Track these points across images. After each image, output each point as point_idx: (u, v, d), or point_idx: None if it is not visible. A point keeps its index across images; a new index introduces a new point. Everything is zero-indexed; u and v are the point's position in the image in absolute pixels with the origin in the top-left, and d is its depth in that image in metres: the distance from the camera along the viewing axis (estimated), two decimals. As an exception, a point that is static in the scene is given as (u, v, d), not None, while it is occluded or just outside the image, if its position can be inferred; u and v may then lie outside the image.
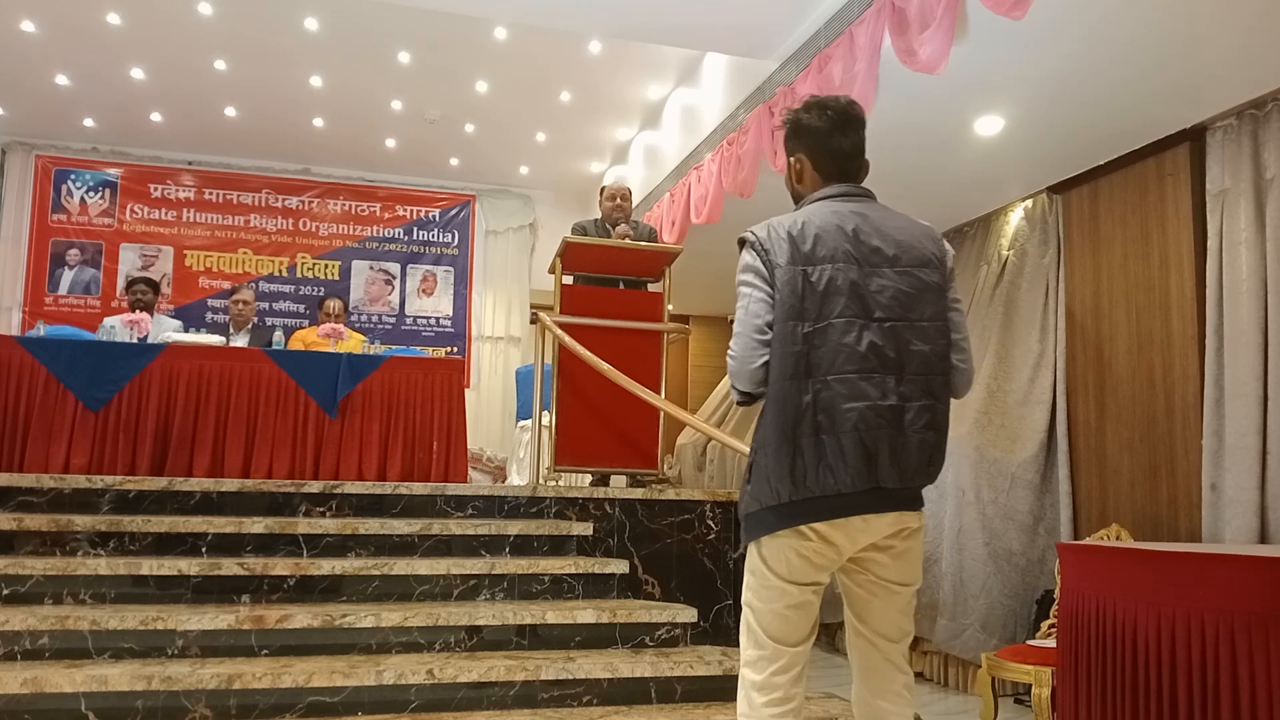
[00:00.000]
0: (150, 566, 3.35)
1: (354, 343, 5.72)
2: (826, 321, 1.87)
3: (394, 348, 7.11)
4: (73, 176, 8.17)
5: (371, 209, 8.78)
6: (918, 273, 1.93)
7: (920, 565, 2.00)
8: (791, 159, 2.11)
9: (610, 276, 4.90)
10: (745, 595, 1.98)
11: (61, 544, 3.54)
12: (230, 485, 3.94)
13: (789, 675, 1.91)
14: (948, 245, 2.04)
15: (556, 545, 3.95)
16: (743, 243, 1.99)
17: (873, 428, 1.83)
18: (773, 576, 1.91)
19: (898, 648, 1.98)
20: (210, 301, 8.24)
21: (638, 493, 4.08)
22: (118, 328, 5.05)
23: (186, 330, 5.76)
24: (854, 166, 2.07)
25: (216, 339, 5.18)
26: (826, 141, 2.05)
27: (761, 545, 1.93)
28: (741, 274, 1.96)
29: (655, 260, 4.79)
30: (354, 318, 8.44)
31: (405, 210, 8.86)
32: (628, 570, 3.83)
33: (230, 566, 3.39)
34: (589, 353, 4.21)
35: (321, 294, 7.97)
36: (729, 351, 1.96)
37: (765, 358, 1.90)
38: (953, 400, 1.99)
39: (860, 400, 1.84)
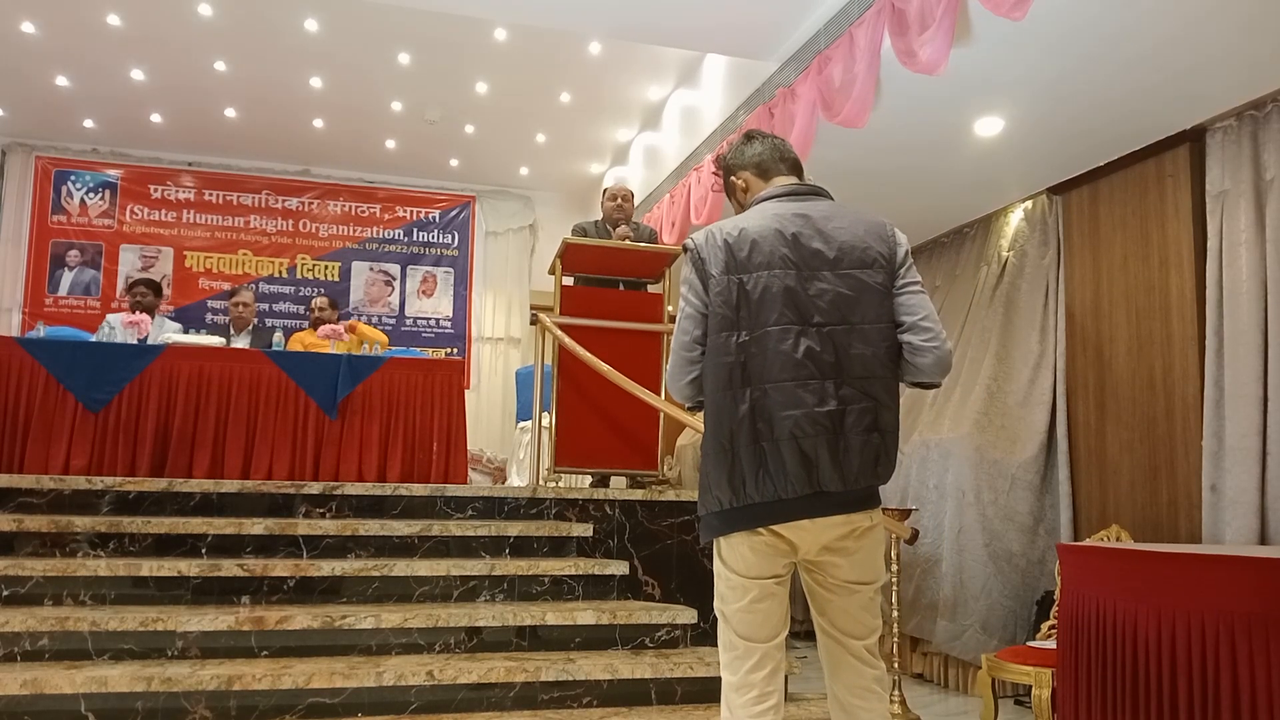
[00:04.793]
0: (150, 567, 3.35)
1: (369, 333, 5.82)
2: (763, 329, 1.90)
3: (394, 349, 7.11)
4: (73, 178, 8.17)
5: (371, 210, 8.78)
6: (859, 275, 1.93)
7: (879, 562, 2.01)
8: (735, 180, 2.19)
9: (610, 278, 4.90)
10: (716, 601, 2.02)
11: (61, 545, 3.54)
12: (230, 486, 3.94)
13: (763, 672, 1.93)
14: (900, 237, 2.02)
15: (556, 546, 3.95)
16: (685, 250, 2.02)
17: (809, 435, 1.85)
18: (733, 575, 1.95)
19: (864, 644, 1.99)
20: (210, 303, 8.24)
21: (638, 494, 4.08)
22: (118, 327, 5.05)
23: (186, 331, 5.75)
24: (793, 157, 2.16)
25: (217, 340, 5.18)
26: (762, 150, 2.17)
27: (720, 546, 1.98)
28: (681, 284, 2.03)
29: (655, 261, 4.79)
30: (354, 319, 8.42)
31: (405, 211, 8.86)
32: (628, 571, 3.83)
33: (230, 567, 3.39)
34: (589, 354, 4.21)
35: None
36: (666, 367, 2.03)
37: (694, 374, 1.99)
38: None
39: (797, 408, 1.86)
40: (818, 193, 2.08)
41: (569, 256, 4.64)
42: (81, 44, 6.37)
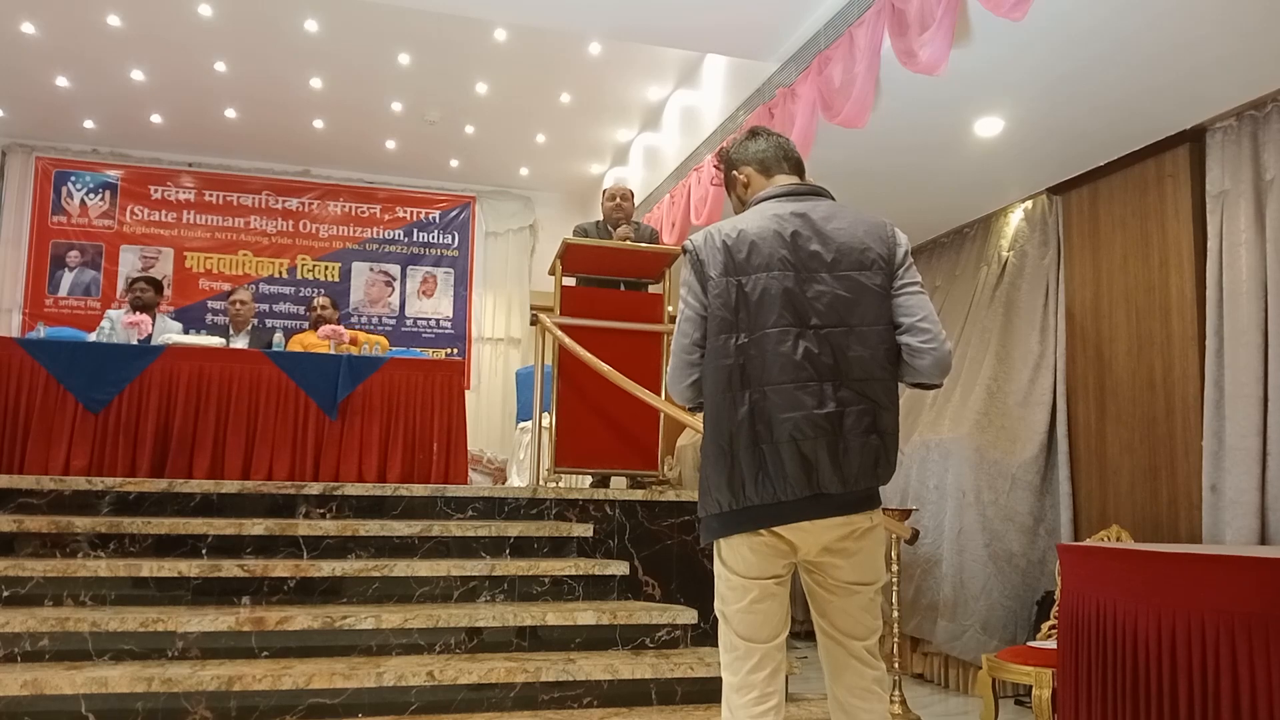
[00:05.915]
0: (150, 568, 3.35)
1: (369, 339, 5.78)
2: (761, 331, 1.90)
3: (394, 349, 7.11)
4: (73, 178, 8.17)
5: (371, 210, 8.78)
6: (857, 276, 1.93)
7: (879, 563, 2.00)
8: (738, 174, 2.18)
9: (611, 278, 4.90)
10: (716, 602, 2.01)
11: (61, 546, 3.54)
12: (230, 487, 3.94)
13: (764, 673, 1.92)
14: (900, 237, 2.01)
15: (557, 547, 3.95)
16: (685, 251, 2.02)
17: (809, 437, 1.84)
18: (734, 575, 1.95)
19: (865, 645, 1.99)
20: (210, 303, 8.24)
21: (638, 494, 4.08)
22: (118, 327, 5.04)
23: (186, 332, 5.75)
24: (796, 157, 2.15)
25: (216, 340, 5.18)
26: (766, 147, 2.16)
27: (720, 547, 1.98)
28: (681, 286, 2.03)
29: (656, 261, 4.79)
30: (354, 319, 8.43)
31: (405, 212, 8.86)
32: (628, 571, 3.83)
33: (230, 568, 3.39)
34: (589, 354, 4.21)
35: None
36: (667, 368, 2.02)
37: (694, 376, 1.99)
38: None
39: (796, 410, 1.85)
40: (818, 193, 2.07)
41: (569, 257, 4.64)
42: (81, 44, 6.37)
